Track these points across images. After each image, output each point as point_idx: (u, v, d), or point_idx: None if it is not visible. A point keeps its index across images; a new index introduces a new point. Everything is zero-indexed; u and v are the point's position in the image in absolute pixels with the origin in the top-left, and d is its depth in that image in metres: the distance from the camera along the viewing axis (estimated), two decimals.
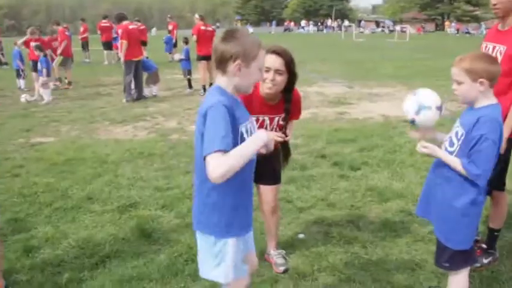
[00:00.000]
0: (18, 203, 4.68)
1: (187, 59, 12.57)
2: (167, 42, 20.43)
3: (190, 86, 12.37)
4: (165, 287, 3.18)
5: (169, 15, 22.45)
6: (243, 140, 2.13)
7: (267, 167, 3.12)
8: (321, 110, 9.50)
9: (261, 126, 3.11)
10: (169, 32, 20.81)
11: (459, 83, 2.49)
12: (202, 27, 11.67)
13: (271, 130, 3.16)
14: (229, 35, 2.13)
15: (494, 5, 3.23)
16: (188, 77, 12.47)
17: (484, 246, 3.53)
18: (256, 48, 2.14)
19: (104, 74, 16.14)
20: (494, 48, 3.26)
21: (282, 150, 3.28)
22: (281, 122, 3.20)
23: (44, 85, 11.06)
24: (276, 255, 3.51)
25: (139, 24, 18.08)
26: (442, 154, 2.57)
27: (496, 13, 3.29)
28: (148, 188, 5.04)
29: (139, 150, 6.56)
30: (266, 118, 3.13)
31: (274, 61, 2.94)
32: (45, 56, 11.57)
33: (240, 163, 1.98)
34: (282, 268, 3.41)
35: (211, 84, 12.33)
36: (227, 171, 1.92)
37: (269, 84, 2.96)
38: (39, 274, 3.36)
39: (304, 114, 8.96)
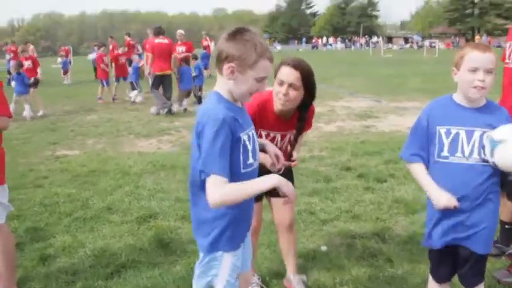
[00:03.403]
0: (39, 213, 4.68)
1: (200, 74, 12.38)
2: (203, 58, 20.38)
3: (200, 102, 12.09)
4: None
5: (204, 32, 22.60)
6: (245, 147, 2.00)
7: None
8: (347, 124, 9.35)
9: (272, 141, 2.85)
10: (205, 48, 20.87)
11: (492, 72, 2.23)
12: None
13: (282, 147, 2.94)
14: (233, 34, 1.95)
15: None
16: (199, 93, 12.30)
17: None
18: (256, 55, 1.92)
19: (130, 89, 16.35)
20: None
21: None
22: (292, 139, 2.97)
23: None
24: (296, 283, 3.16)
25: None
26: None
27: None
28: (169, 199, 4.97)
29: (162, 163, 6.53)
30: (278, 135, 2.90)
31: (288, 74, 2.66)
32: (19, 73, 11.32)
33: (240, 199, 1.94)
34: None
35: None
36: (224, 202, 1.92)
37: (281, 100, 2.68)
38: (54, 283, 3.31)
39: (330, 127, 8.98)
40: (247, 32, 1.96)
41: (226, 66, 1.94)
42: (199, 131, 1.93)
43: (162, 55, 11.12)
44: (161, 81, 11.15)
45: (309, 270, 3.42)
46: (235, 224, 2.08)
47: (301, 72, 2.67)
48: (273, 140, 2.89)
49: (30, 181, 5.81)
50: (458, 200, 2.29)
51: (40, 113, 11.31)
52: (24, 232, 4.16)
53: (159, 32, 11.41)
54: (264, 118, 2.77)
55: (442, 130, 2.33)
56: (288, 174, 3.14)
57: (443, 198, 2.27)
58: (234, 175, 1.96)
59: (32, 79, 11.64)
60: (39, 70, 12.63)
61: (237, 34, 1.95)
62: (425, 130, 2.41)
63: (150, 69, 11.28)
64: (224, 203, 1.93)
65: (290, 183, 1.98)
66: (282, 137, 2.91)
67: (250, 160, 2.05)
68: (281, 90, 2.67)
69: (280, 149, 2.85)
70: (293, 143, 2.96)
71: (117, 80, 14.51)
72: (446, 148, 2.31)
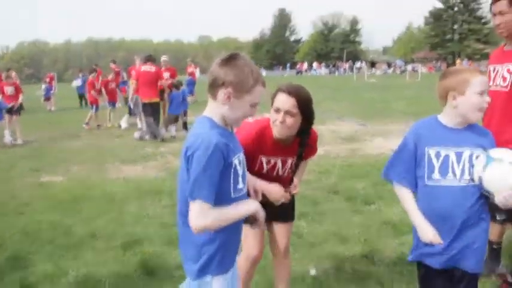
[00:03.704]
0: (20, 241, 4.56)
1: (184, 99, 12.20)
2: (189, 85, 20.35)
3: (185, 127, 11.92)
4: None
5: (189, 59, 22.89)
6: (236, 172, 1.99)
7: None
8: (333, 147, 9.36)
9: (273, 168, 2.83)
10: (190, 74, 20.86)
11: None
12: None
13: (283, 173, 2.88)
14: (228, 60, 1.94)
15: (498, 25, 3.13)
16: (185, 118, 12.13)
17: (510, 280, 3.30)
18: (253, 81, 1.94)
19: (116, 116, 16.28)
20: (502, 67, 3.13)
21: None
22: (293, 165, 2.90)
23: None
24: None
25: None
26: None
27: (500, 33, 3.18)
28: (154, 225, 4.89)
29: (147, 188, 6.45)
30: (278, 161, 2.82)
31: (284, 101, 2.58)
32: None
33: (222, 225, 1.95)
34: None
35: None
36: (206, 227, 1.91)
37: (278, 127, 2.62)
38: None
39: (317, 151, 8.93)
40: (241, 57, 1.96)
41: (222, 92, 1.93)
42: (189, 156, 1.90)
43: (147, 83, 11.02)
44: (151, 110, 11.01)
45: None
46: (224, 248, 2.04)
47: (297, 99, 2.60)
48: (274, 166, 2.83)
49: (12, 208, 5.70)
50: (452, 222, 2.28)
51: (19, 141, 11.16)
52: (5, 261, 4.05)
53: (147, 59, 11.39)
54: (263, 145, 2.73)
55: (432, 152, 2.33)
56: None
57: (429, 235, 2.30)
58: (225, 201, 1.94)
59: (11, 104, 11.57)
60: (21, 96, 12.49)
61: (231, 60, 1.94)
62: (412, 152, 2.40)
63: (133, 95, 11.25)
64: (206, 229, 1.93)
65: (263, 211, 2.06)
66: (283, 163, 2.84)
67: (240, 185, 2.03)
68: (278, 118, 2.61)
69: (281, 175, 2.86)
70: (294, 169, 2.92)
71: (110, 104, 14.53)
72: (436, 170, 2.31)
